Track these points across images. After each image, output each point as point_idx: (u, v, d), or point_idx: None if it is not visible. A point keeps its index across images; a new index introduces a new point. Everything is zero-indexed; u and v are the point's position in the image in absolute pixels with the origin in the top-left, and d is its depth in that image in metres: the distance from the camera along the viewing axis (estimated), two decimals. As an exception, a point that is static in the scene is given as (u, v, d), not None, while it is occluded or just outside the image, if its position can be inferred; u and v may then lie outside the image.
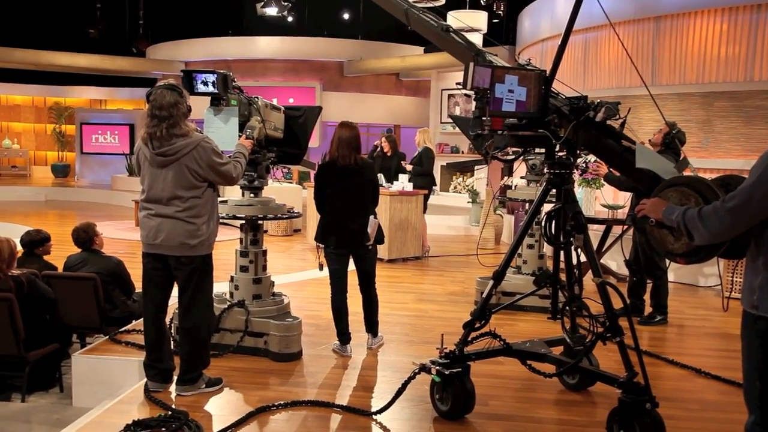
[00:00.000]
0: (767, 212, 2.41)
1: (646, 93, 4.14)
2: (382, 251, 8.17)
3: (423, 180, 9.02)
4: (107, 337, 5.08)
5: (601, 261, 7.43)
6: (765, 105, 8.04)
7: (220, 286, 4.67)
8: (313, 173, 15.84)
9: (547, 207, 3.98)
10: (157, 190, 3.89)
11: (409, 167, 9.26)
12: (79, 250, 5.60)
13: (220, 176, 3.97)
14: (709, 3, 8.63)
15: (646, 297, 6.15)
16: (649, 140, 6.17)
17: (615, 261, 7.84)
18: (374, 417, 3.83)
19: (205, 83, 4.45)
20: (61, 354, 5.13)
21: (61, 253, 5.91)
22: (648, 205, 2.88)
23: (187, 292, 3.99)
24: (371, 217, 4.87)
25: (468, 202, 12.45)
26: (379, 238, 4.98)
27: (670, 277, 6.61)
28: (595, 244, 6.99)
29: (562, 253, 3.95)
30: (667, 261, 5.69)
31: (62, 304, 5.14)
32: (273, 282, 5.06)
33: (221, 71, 4.49)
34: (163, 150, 3.83)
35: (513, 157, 4.87)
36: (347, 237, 4.80)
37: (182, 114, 3.86)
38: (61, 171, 20.04)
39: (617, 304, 3.56)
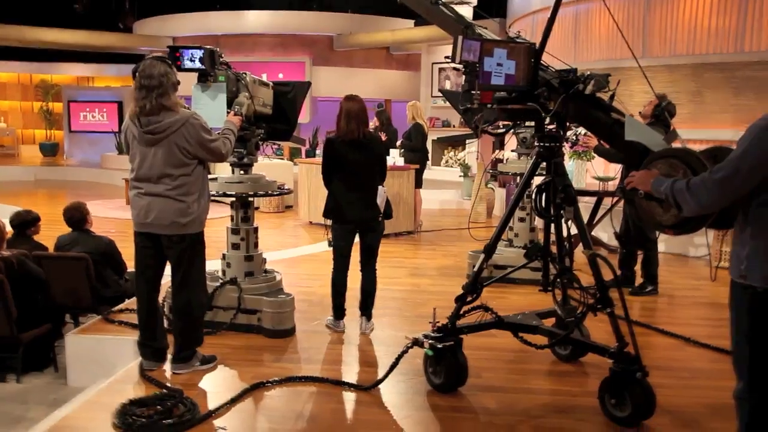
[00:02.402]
0: (754, 183, 2.43)
1: (637, 65, 4.13)
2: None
3: (415, 155, 9.00)
4: (100, 316, 5.09)
5: (592, 233, 7.47)
6: (755, 76, 8.03)
7: (213, 264, 4.67)
8: (304, 149, 15.74)
9: (537, 180, 3.99)
10: (146, 169, 3.87)
11: (399, 143, 9.24)
12: (70, 230, 5.58)
13: (209, 153, 3.95)
14: (699, -28, 8.57)
15: (637, 268, 6.20)
16: (640, 112, 6.17)
17: (606, 233, 7.87)
18: (368, 391, 3.87)
19: (192, 59, 4.40)
20: (55, 334, 5.13)
21: (51, 233, 5.88)
22: (637, 177, 2.89)
23: (179, 270, 3.99)
24: (380, 187, 4.86)
25: (459, 176, 12.45)
26: (388, 212, 4.97)
27: (661, 248, 6.66)
28: (585, 217, 7.04)
29: (552, 225, 3.97)
30: (657, 232, 5.74)
31: (54, 285, 5.14)
32: (265, 259, 5.07)
33: (208, 47, 4.44)
34: (151, 128, 3.80)
35: (503, 130, 4.86)
36: (356, 211, 4.78)
37: (172, 84, 3.83)
38: (50, 150, 19.87)
39: (608, 275, 3.59)
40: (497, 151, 9.03)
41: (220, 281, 4.80)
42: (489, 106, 3.80)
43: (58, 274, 5.18)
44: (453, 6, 5.29)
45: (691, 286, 6.52)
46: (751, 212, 2.50)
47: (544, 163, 3.87)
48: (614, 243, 6.88)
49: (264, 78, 4.99)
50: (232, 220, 4.94)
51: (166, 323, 4.34)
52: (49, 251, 5.52)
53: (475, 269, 3.86)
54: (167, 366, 4.11)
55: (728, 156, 2.53)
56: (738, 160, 2.44)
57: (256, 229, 4.98)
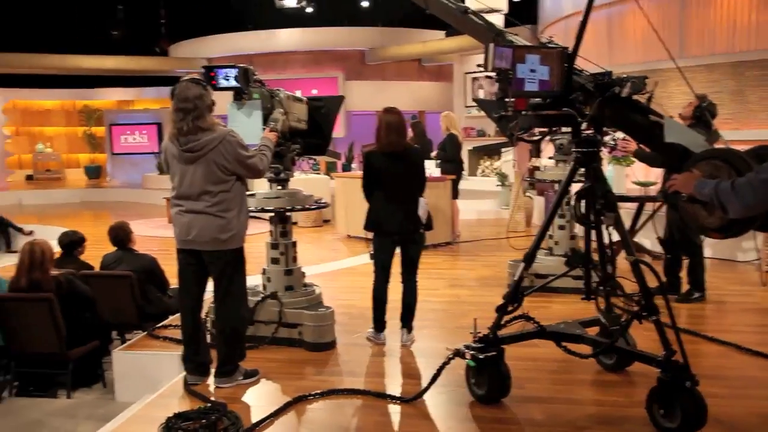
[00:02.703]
0: (803, 182, 2.36)
1: (674, 66, 4.06)
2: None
3: (450, 166, 8.98)
4: (145, 332, 5.18)
5: (635, 239, 7.33)
6: (798, 72, 7.83)
7: (253, 279, 4.71)
8: (340, 163, 15.87)
9: (576, 187, 3.93)
10: (186, 186, 3.94)
11: (434, 154, 9.22)
12: (114, 248, 5.70)
13: (247, 169, 4.00)
14: (737, -32, 8.41)
15: (683, 274, 6.05)
16: (679, 114, 6.05)
17: (649, 239, 7.71)
18: (411, 403, 3.85)
19: (227, 78, 4.48)
20: (102, 351, 5.24)
21: (96, 252, 6.02)
22: (679, 180, 2.83)
23: (221, 285, 4.05)
24: (421, 199, 4.86)
25: (497, 185, 12.37)
26: (429, 224, 4.96)
27: (707, 252, 6.48)
28: (627, 223, 6.92)
29: (593, 232, 3.90)
30: (702, 236, 5.60)
31: (100, 302, 5.25)
32: (304, 273, 5.10)
33: (242, 65, 4.51)
34: (190, 146, 3.87)
35: (539, 137, 4.81)
36: (397, 223, 4.78)
37: (207, 106, 3.91)
38: (94, 172, 20.39)
39: (653, 282, 3.51)
40: (534, 159, 8.95)
41: (261, 296, 4.84)
42: (524, 112, 3.77)
43: (105, 292, 5.29)
44: (483, 15, 5.28)
45: (740, 292, 6.33)
46: (800, 212, 2.43)
47: (583, 169, 3.81)
48: (658, 249, 6.74)
49: (298, 94, 5.05)
50: (271, 235, 4.99)
51: (209, 338, 4.40)
52: (95, 270, 5.65)
53: (515, 278, 3.82)
54: (211, 380, 4.16)
55: (774, 155, 2.47)
56: (785, 159, 2.37)
57: (294, 244, 5.01)
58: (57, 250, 5.58)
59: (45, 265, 4.86)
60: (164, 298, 5.67)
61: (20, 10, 17.65)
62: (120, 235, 5.65)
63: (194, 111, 3.84)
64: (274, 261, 4.94)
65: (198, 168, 3.90)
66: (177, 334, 4.70)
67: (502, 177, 12.17)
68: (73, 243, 5.74)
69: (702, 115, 5.68)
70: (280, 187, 4.99)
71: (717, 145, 3.79)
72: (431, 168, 8.75)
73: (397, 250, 4.90)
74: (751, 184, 2.46)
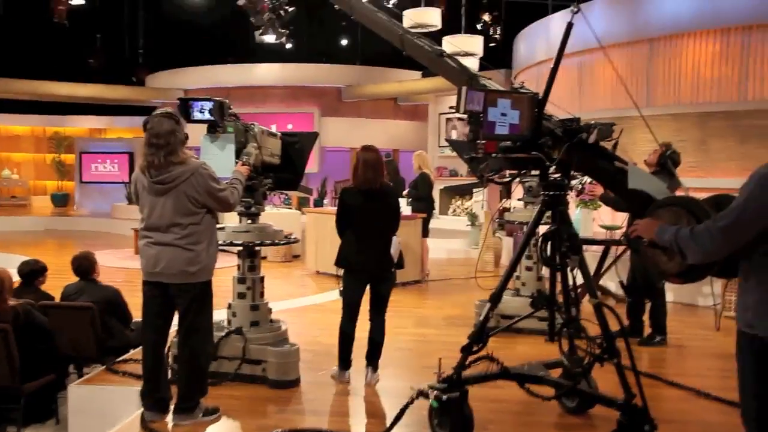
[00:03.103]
0: (758, 230, 2.42)
1: (644, 114, 4.17)
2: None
3: (421, 204, 9.04)
4: (104, 366, 5.05)
5: (600, 283, 7.41)
6: (759, 124, 8.09)
7: (218, 314, 4.65)
8: (312, 198, 15.76)
9: (543, 229, 3.99)
10: (155, 218, 3.91)
11: (405, 192, 9.28)
12: (77, 279, 5.59)
13: (217, 202, 3.99)
14: (701, 25, 8.73)
15: (646, 318, 6.12)
16: (645, 161, 6.20)
17: (614, 282, 7.81)
18: (373, 443, 3.80)
19: (202, 111, 4.48)
20: (58, 385, 5.09)
21: (59, 282, 5.89)
22: (641, 225, 2.89)
23: (186, 319, 3.99)
24: (394, 237, 4.87)
25: (467, 225, 12.46)
26: (400, 263, 4.96)
27: (669, 297, 6.58)
28: (593, 266, 6.99)
29: (558, 274, 3.94)
30: (663, 281, 5.69)
31: (59, 334, 5.12)
32: (270, 308, 5.05)
33: (217, 98, 4.52)
34: (161, 178, 3.85)
35: (509, 179, 4.88)
36: (369, 261, 4.77)
37: (179, 141, 3.89)
38: (61, 200, 20.08)
39: (616, 325, 3.54)
40: (504, 200, 9.05)
41: (226, 331, 4.77)
42: (494, 155, 3.84)
43: (64, 323, 5.16)
44: (458, 57, 5.40)
45: (700, 336, 6.42)
46: (755, 260, 2.49)
47: (550, 212, 3.87)
48: (623, 292, 6.82)
49: (273, 129, 5.06)
50: (238, 269, 4.95)
51: (170, 374, 4.31)
52: (55, 301, 5.52)
53: (481, 318, 3.83)
54: (170, 417, 4.06)
55: (731, 204, 2.53)
56: (741, 208, 2.44)
57: (262, 279, 4.97)
58: (17, 279, 5.45)
59: (3, 295, 4.74)
60: (126, 331, 5.55)
61: (-5, 35, 17.55)
62: (83, 265, 5.54)
63: (167, 146, 3.83)
64: (241, 295, 4.88)
65: (168, 200, 3.87)
66: (137, 368, 4.59)
67: (473, 217, 12.27)
68: (33, 272, 5.61)
69: (666, 163, 5.83)
70: (250, 221, 4.97)
71: (678, 193, 3.88)
72: (402, 206, 8.80)
73: (367, 288, 4.88)
74: (709, 231, 2.52)
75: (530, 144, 3.79)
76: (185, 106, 4.46)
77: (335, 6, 7.17)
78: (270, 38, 9.70)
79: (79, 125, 21.72)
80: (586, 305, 3.84)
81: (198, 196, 3.89)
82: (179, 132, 3.89)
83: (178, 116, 4.02)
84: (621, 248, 6.65)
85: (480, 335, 3.78)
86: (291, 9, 8.85)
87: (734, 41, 8.41)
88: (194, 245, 3.90)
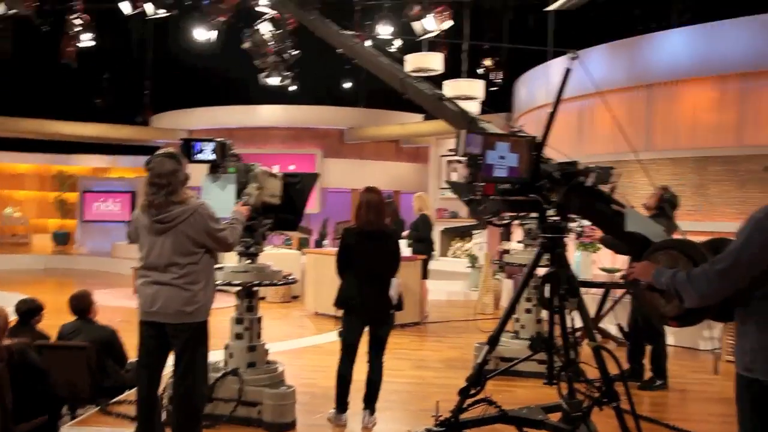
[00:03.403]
0: (755, 274, 2.43)
1: (643, 159, 4.21)
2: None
3: (421, 246, 9.05)
4: (98, 408, 4.99)
5: (600, 325, 7.36)
6: (757, 169, 8.13)
7: (215, 355, 4.61)
8: (313, 239, 15.77)
9: (542, 271, 3.98)
10: (154, 257, 3.91)
11: (405, 234, 9.30)
12: (74, 318, 5.56)
13: (216, 242, 3.99)
14: (699, 72, 8.85)
15: (646, 361, 6.07)
16: (644, 204, 6.23)
17: (615, 325, 7.76)
18: (369, 489, 3.73)
19: (203, 151, 4.54)
20: (51, 427, 5.01)
21: (56, 321, 5.86)
22: (638, 269, 2.89)
23: (183, 359, 3.95)
24: (393, 279, 4.86)
25: (467, 266, 12.43)
26: (400, 305, 4.95)
27: (670, 340, 6.53)
28: (594, 308, 6.95)
29: (557, 317, 3.92)
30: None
31: (54, 375, 5.05)
32: (267, 350, 5.01)
33: (219, 139, 4.58)
34: (161, 217, 3.87)
35: (508, 221, 4.91)
36: (369, 303, 4.76)
37: (180, 182, 3.92)
38: (62, 239, 20.08)
39: (615, 369, 3.51)
40: (503, 242, 9.05)
41: (222, 372, 4.73)
42: (492, 197, 3.86)
43: (59, 363, 5.11)
44: (459, 101, 5.48)
45: (702, 381, 6.35)
46: (752, 304, 2.49)
47: (549, 254, 3.88)
48: (621, 336, 6.78)
49: (275, 169, 5.11)
50: (236, 309, 4.93)
51: (164, 416, 4.25)
52: (51, 340, 5.48)
53: (479, 361, 3.80)
54: (163, 460, 4.00)
55: (728, 247, 2.55)
56: (738, 252, 2.45)
57: (259, 319, 4.95)
58: (13, 317, 5.42)
59: (-1, 333, 4.72)
60: (121, 371, 5.50)
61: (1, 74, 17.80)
62: (80, 305, 5.51)
63: (168, 186, 3.85)
64: (238, 336, 4.86)
65: (167, 239, 3.88)
66: (131, 410, 4.54)
67: (473, 259, 12.25)
68: (30, 311, 5.58)
69: (665, 206, 5.85)
70: (249, 261, 4.98)
71: (675, 236, 3.89)
72: (402, 248, 8.80)
73: (366, 329, 4.86)
74: (706, 274, 2.52)
75: (528, 187, 3.82)
76: (187, 146, 4.52)
77: (338, 50, 7.31)
78: (274, 80, 9.86)
79: (83, 164, 21.87)
80: (586, 348, 3.81)
81: (197, 236, 3.89)
82: (180, 172, 3.92)
83: (180, 156, 4.05)
84: (621, 291, 6.67)
85: (478, 378, 3.75)
86: (295, 52, 9.01)
87: (731, 88, 8.52)
88: (191, 285, 3.89)
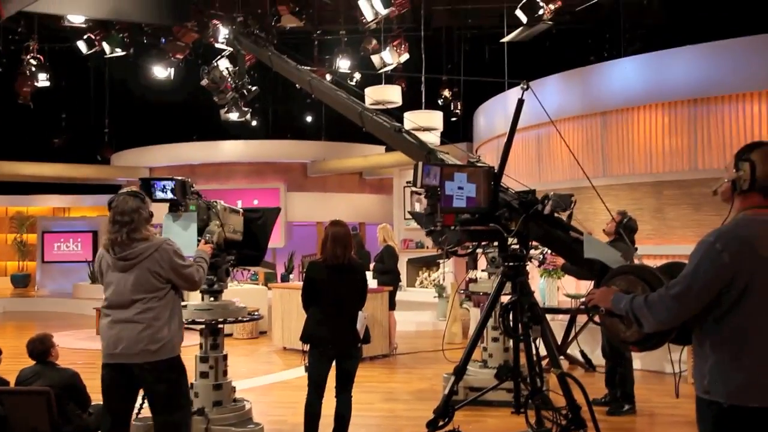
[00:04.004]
0: (710, 297, 2.49)
1: (601, 184, 4.32)
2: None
3: (387, 277, 9.05)
4: (60, 454, 4.84)
5: (568, 351, 7.44)
6: (710, 192, 8.37)
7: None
8: (279, 273, 15.62)
9: (506, 299, 4.03)
10: (117, 295, 3.83)
11: (372, 266, 9.30)
12: (34, 362, 5.42)
13: (183, 279, 3.92)
14: (651, 98, 9.14)
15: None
16: (603, 230, 6.35)
17: (579, 351, 7.84)
18: None
19: (164, 190, 4.51)
20: (11, 475, 4.85)
21: (16, 366, 5.69)
22: (597, 295, 2.94)
23: (158, 401, 3.84)
24: (360, 312, 4.85)
25: (434, 296, 12.46)
26: (367, 338, 4.93)
27: (636, 364, 6.62)
28: (560, 335, 7.03)
29: (523, 344, 3.96)
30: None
31: (13, 421, 4.92)
32: (234, 387, 4.95)
33: (179, 178, 4.56)
34: (124, 254, 3.82)
35: (470, 250, 4.95)
36: (335, 336, 4.72)
37: (144, 219, 3.88)
38: (21, 281, 19.61)
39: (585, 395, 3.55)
40: (469, 271, 9.12)
41: (187, 412, 4.64)
42: (452, 227, 3.91)
43: (19, 409, 4.96)
44: (419, 133, 5.55)
45: (669, 404, 6.42)
46: (707, 326, 2.54)
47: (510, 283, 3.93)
48: (599, 361, 6.82)
49: (238, 205, 5.11)
50: (200, 347, 4.87)
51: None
52: (10, 386, 5.32)
53: (446, 392, 3.81)
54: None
55: (682, 272, 2.61)
56: (691, 276, 2.51)
57: (225, 357, 4.90)
58: (-29, 364, 5.27)
59: (-45, 381, 4.58)
60: (84, 415, 5.36)
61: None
62: (38, 348, 5.36)
63: (131, 224, 3.81)
64: (203, 375, 4.79)
65: (131, 276, 3.81)
66: (94, 455, 4.43)
67: (440, 288, 12.29)
68: (-12, 356, 5.43)
69: (623, 231, 5.97)
70: (212, 299, 4.93)
71: (634, 261, 3.97)
72: (368, 279, 8.79)
73: (333, 364, 4.83)
74: (662, 299, 2.58)
75: (488, 216, 3.88)
76: (147, 185, 4.49)
77: (297, 85, 7.37)
78: (234, 116, 9.87)
79: (42, 204, 21.48)
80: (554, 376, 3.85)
81: (162, 272, 3.83)
82: (144, 210, 3.89)
83: (143, 195, 4.02)
84: (586, 317, 6.76)
85: (445, 409, 3.76)
86: (254, 88, 9.06)
87: (681, 114, 8.81)
88: (154, 321, 3.80)
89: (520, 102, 3.91)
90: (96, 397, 4.67)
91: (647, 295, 2.69)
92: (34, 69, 13.03)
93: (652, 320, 2.61)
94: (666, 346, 2.97)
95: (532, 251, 5.13)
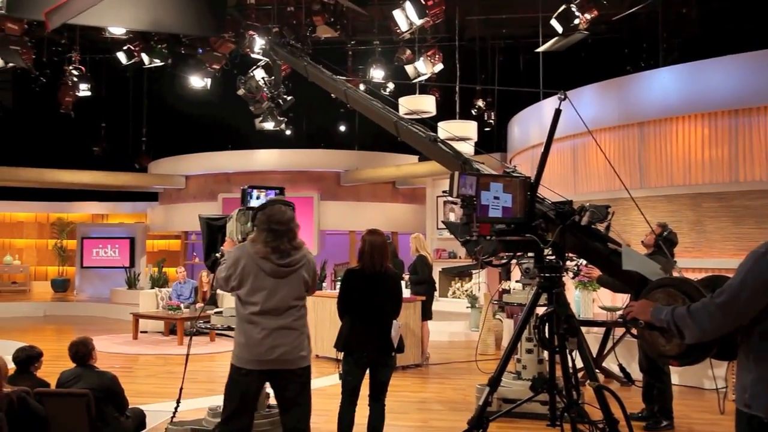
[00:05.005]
0: (756, 309, 2.45)
1: (638, 196, 4.27)
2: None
3: (421, 287, 9.04)
4: (98, 456, 4.93)
5: (603, 364, 7.33)
6: (752, 205, 8.20)
7: (217, 400, 4.59)
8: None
9: (542, 310, 3.99)
10: (276, 301, 3.93)
11: (406, 276, 9.30)
12: (74, 365, 5.54)
13: (314, 287, 4.15)
14: (689, 109, 8.99)
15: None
16: (642, 242, 6.26)
17: (617, 365, 7.71)
18: None
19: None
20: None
21: (56, 368, 5.83)
22: (636, 307, 2.91)
23: (299, 405, 4.04)
24: (394, 321, 4.86)
25: (467, 307, 12.40)
26: (401, 347, 4.94)
27: (674, 380, 6.49)
28: (595, 348, 6.93)
29: (558, 356, 3.92)
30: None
31: (54, 422, 5.03)
32: (268, 394, 4.98)
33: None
34: (287, 261, 3.95)
35: (505, 261, 4.92)
36: (370, 345, 4.75)
37: (297, 226, 4.07)
38: (61, 285, 20.05)
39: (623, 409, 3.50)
40: (503, 282, 9.06)
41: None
42: (488, 237, 3.90)
43: (59, 411, 5.07)
44: (452, 143, 5.55)
45: (708, 421, 6.29)
46: (753, 340, 2.50)
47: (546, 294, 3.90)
48: (636, 375, 6.71)
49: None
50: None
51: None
52: (51, 387, 5.45)
53: (480, 403, 3.79)
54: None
55: (728, 282, 2.57)
56: (739, 285, 2.47)
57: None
58: (12, 366, 5.40)
59: (-2, 382, 4.69)
60: (122, 419, 5.45)
61: None
62: (81, 351, 5.49)
63: (289, 233, 3.98)
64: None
65: (288, 283, 3.96)
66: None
67: (472, 299, 12.23)
68: (29, 358, 5.56)
69: (664, 243, 5.88)
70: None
71: (674, 274, 3.92)
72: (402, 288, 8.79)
73: (367, 372, 4.84)
74: (707, 308, 2.54)
75: (524, 226, 3.86)
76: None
77: (332, 95, 7.43)
78: (269, 125, 9.98)
79: (81, 211, 21.94)
80: (590, 389, 3.80)
81: (309, 279, 4.06)
82: (295, 219, 4.09)
83: (293, 204, 4.24)
84: (622, 330, 6.66)
85: (479, 420, 3.73)
86: (289, 98, 9.15)
87: (722, 125, 8.65)
88: (304, 327, 4.04)
89: (558, 112, 3.89)
90: (133, 401, 4.75)
91: (690, 304, 2.65)
92: (75, 79, 13.35)
93: (695, 330, 2.57)
94: (706, 361, 2.93)
95: (568, 263, 5.10)
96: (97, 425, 5.16)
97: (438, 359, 9.47)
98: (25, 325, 14.46)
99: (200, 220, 5.01)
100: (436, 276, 11.04)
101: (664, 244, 5.76)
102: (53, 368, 5.86)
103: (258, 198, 4.78)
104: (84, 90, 13.49)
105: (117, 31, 11.74)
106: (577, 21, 9.11)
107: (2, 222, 21.41)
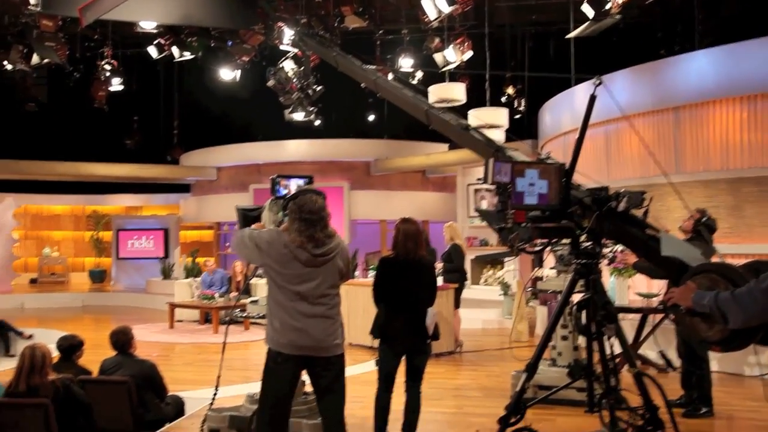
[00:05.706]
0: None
1: (674, 181, 4.20)
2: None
3: (453, 275, 9.04)
4: (140, 442, 5.05)
5: (639, 351, 7.25)
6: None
7: (254, 387, 4.65)
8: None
9: (577, 297, 3.97)
10: (310, 289, 3.94)
11: (439, 265, 9.29)
12: (115, 353, 5.66)
13: (347, 275, 4.13)
14: (727, 92, 8.80)
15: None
16: (680, 227, 6.17)
17: (654, 351, 7.63)
18: None
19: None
20: (95, 460, 5.08)
21: (96, 357, 5.97)
22: (677, 293, 2.87)
23: (334, 393, 4.06)
24: (429, 309, 4.88)
25: (500, 294, 12.35)
26: (436, 334, 4.95)
27: (713, 366, 6.39)
28: (632, 334, 6.86)
29: (595, 343, 3.90)
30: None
31: (97, 408, 5.15)
32: (304, 382, 5.03)
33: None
34: (323, 250, 3.95)
35: (540, 248, 4.89)
36: (405, 332, 4.77)
37: (328, 215, 4.04)
38: (98, 276, 20.46)
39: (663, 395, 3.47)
40: (536, 269, 8.99)
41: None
42: (523, 224, 3.88)
43: (102, 398, 5.20)
44: (483, 130, 5.52)
45: (749, 408, 6.19)
46: (798, 326, 2.46)
47: (583, 281, 3.87)
48: (663, 362, 6.65)
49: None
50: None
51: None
52: (93, 375, 5.58)
53: (517, 389, 3.79)
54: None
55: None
56: (785, 270, 2.43)
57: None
58: (55, 354, 5.54)
59: (44, 370, 4.81)
60: (161, 405, 5.57)
61: (35, 120, 18.36)
62: (121, 340, 5.62)
63: (321, 221, 3.96)
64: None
65: (322, 271, 3.96)
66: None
67: (505, 286, 12.18)
68: (72, 347, 5.71)
69: (702, 229, 5.78)
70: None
71: (713, 259, 3.86)
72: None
73: (403, 359, 4.86)
74: (752, 292, 2.50)
75: (560, 213, 3.83)
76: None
77: (362, 84, 7.43)
78: (299, 116, 10.03)
79: (116, 203, 22.33)
80: (627, 375, 3.77)
81: (343, 268, 4.05)
82: (326, 207, 4.06)
83: (324, 193, 4.17)
84: (659, 316, 6.58)
85: (517, 406, 3.73)
86: (319, 88, 9.18)
87: (761, 107, 8.45)
88: (338, 315, 4.03)
89: (593, 98, 3.84)
90: (172, 389, 4.84)
91: (734, 289, 2.61)
92: (108, 74, 13.54)
93: (740, 314, 2.53)
94: (747, 347, 2.88)
95: (604, 249, 5.04)
96: (139, 411, 5.28)
97: (471, 347, 9.46)
98: (64, 315, 14.80)
99: (237, 211, 5.06)
100: (468, 264, 11.02)
101: (703, 229, 5.66)
102: (93, 357, 6.00)
103: (278, 190, 4.78)
104: (116, 84, 13.68)
105: (148, 25, 11.88)
106: (608, 5, 8.97)
107: (40, 215, 21.88)
